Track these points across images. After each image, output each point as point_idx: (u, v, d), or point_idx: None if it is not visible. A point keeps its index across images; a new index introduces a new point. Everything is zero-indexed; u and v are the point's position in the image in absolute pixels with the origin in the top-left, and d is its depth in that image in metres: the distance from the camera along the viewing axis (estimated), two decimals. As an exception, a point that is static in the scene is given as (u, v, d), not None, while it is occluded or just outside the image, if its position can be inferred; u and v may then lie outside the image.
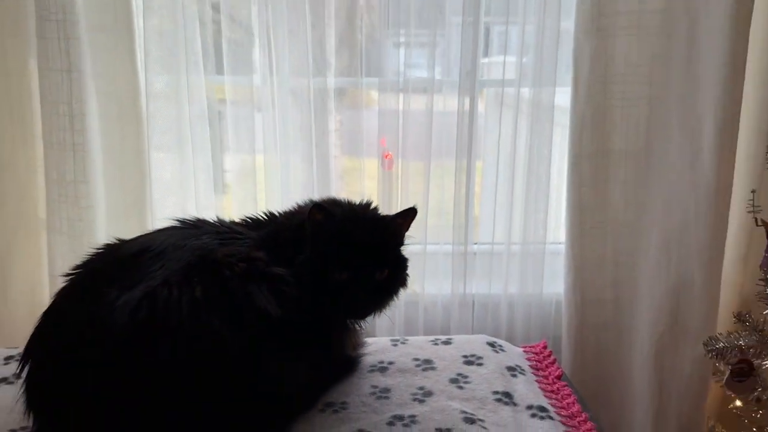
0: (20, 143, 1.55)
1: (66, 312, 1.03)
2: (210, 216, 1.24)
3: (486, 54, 1.79)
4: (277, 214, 1.24)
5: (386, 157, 1.75)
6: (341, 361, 1.23)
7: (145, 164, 1.58)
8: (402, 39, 1.63)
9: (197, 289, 0.97)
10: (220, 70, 1.62)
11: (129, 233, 1.50)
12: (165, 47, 1.56)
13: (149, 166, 1.60)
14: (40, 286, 1.64)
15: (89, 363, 0.95)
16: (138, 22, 1.54)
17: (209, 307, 0.97)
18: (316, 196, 1.35)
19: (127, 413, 0.93)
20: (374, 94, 1.70)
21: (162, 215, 1.62)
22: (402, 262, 1.18)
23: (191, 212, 1.60)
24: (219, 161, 1.67)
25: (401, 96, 1.67)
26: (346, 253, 1.10)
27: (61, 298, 1.08)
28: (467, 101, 1.70)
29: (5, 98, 1.52)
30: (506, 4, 1.66)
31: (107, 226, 1.57)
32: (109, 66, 1.53)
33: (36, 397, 1.03)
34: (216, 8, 1.59)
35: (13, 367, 1.27)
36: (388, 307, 1.19)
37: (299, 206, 1.23)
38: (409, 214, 1.19)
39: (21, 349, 1.30)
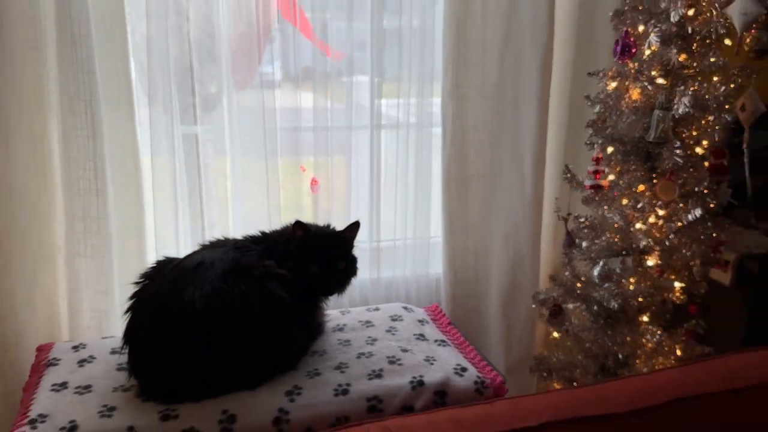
0: (42, 189, 1.92)
1: (155, 304, 1.52)
2: (218, 235, 1.80)
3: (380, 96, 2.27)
4: (268, 233, 1.82)
5: (314, 183, 2.30)
6: (316, 325, 1.80)
7: (142, 200, 2.01)
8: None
9: (242, 285, 1.51)
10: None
11: (133, 252, 2.02)
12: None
13: (144, 201, 2.03)
14: (57, 297, 2.02)
15: (181, 335, 1.46)
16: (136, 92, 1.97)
17: (250, 295, 1.52)
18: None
19: (202, 364, 1.47)
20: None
21: (159, 236, 2.10)
22: (353, 259, 1.76)
23: (180, 234, 2.13)
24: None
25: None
26: (319, 254, 1.68)
27: (144, 297, 1.56)
28: (375, 140, 2.24)
29: (31, 156, 1.89)
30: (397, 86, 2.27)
31: (116, 248, 1.99)
32: (113, 128, 1.94)
33: (138, 365, 1.53)
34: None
35: (82, 353, 1.70)
36: (346, 289, 1.75)
37: (284, 227, 1.82)
38: (355, 226, 1.76)
39: (77, 342, 1.78)
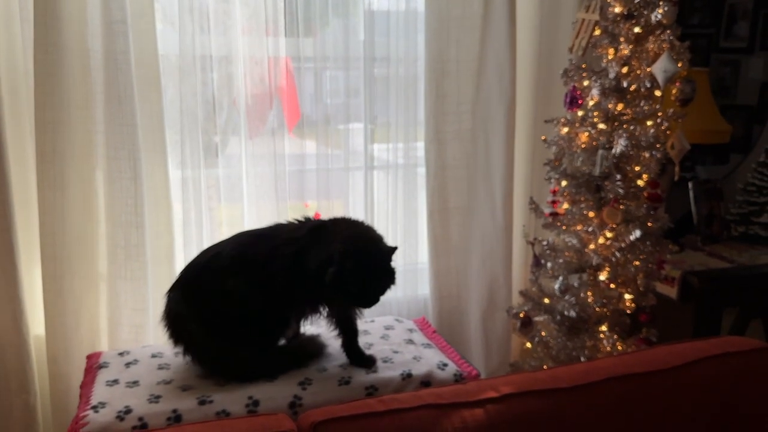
0: (88, 223, 2.24)
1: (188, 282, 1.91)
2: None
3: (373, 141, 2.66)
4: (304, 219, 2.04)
5: (317, 217, 2.71)
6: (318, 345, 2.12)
7: (172, 232, 2.36)
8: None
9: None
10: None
11: (164, 275, 2.36)
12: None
13: (174, 233, 2.39)
14: (99, 316, 2.32)
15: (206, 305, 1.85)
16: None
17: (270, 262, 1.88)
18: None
19: (223, 330, 1.84)
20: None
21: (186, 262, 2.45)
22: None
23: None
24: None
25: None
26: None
27: (182, 279, 1.94)
28: (369, 180, 2.62)
29: (81, 196, 2.21)
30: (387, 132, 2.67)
31: (151, 272, 2.34)
32: (149, 172, 2.29)
33: (177, 333, 1.89)
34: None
35: (127, 357, 2.01)
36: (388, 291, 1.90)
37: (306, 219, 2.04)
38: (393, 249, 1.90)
39: (121, 350, 2.12)
